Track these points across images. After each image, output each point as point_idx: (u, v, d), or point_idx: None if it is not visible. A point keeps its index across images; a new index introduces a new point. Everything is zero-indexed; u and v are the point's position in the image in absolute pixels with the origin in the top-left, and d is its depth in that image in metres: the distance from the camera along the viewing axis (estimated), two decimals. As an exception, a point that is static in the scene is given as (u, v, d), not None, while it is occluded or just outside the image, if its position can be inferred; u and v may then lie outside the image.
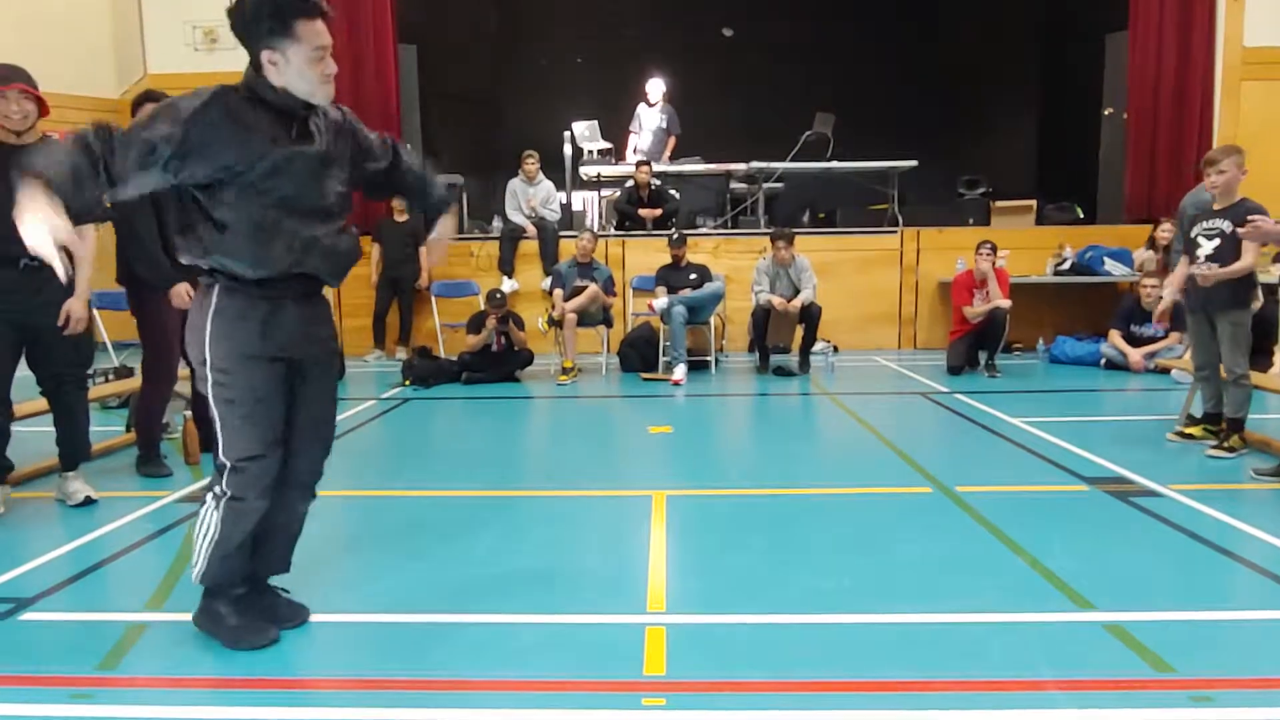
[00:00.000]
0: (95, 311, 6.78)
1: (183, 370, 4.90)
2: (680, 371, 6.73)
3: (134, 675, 2.16)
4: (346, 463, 4.50)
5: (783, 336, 7.10)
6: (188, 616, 2.37)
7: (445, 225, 2.72)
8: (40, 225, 1.80)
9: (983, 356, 6.98)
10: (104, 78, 9.46)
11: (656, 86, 9.81)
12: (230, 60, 8.27)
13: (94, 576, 2.87)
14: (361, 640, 2.41)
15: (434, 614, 2.51)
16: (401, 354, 8.00)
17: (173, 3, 8.32)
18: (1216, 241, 4.10)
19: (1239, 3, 8.08)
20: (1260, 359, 5.65)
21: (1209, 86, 8.27)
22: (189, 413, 4.46)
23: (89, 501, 3.61)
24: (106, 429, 5.27)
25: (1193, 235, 4.24)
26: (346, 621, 2.51)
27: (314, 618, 2.50)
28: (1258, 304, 4.47)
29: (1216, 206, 4.16)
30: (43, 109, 3.39)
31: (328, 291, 2.45)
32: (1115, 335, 7.05)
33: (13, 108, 3.28)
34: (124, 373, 5.91)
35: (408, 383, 6.73)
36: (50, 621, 2.49)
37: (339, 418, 5.58)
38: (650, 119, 9.80)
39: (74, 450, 3.69)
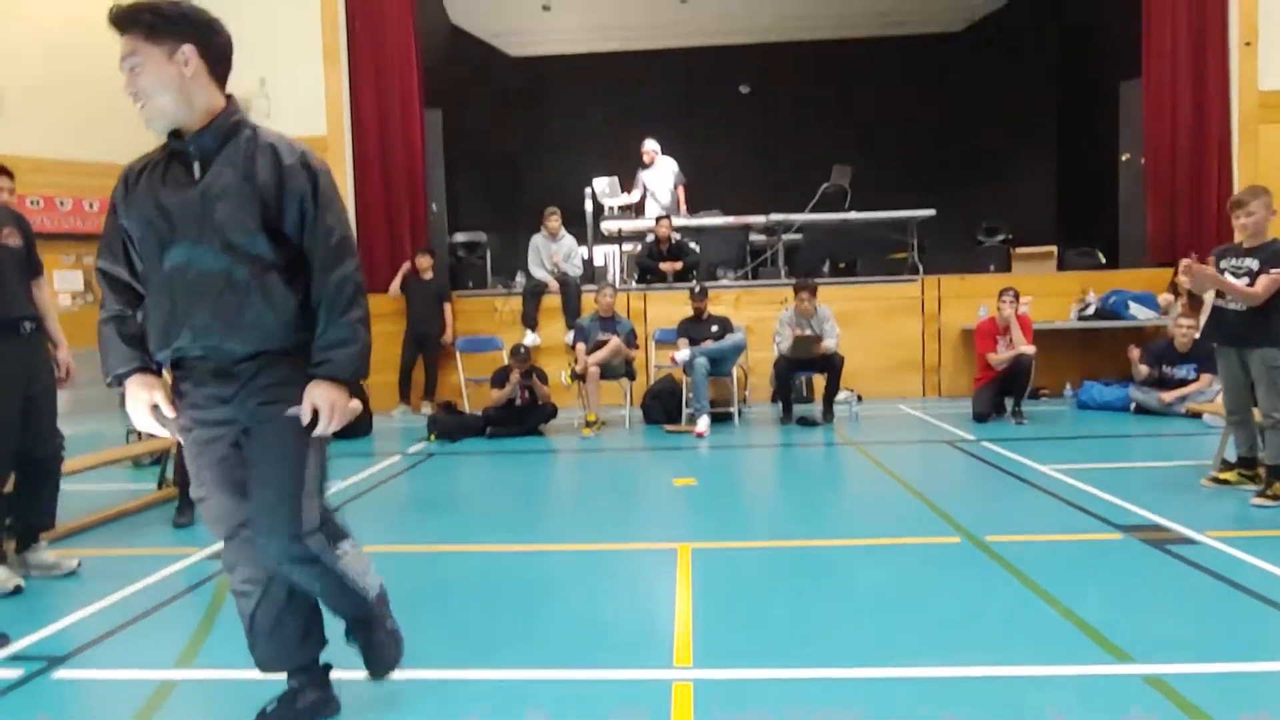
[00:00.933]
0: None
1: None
2: (703, 423, 6.72)
3: (163, 734, 2.17)
4: (371, 518, 4.53)
5: (805, 349, 6.99)
6: (218, 674, 2.38)
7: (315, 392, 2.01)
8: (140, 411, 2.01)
9: (1009, 403, 6.91)
10: (138, 146, 9.80)
11: (651, 145, 10.00)
12: (263, 126, 8.61)
13: (126, 633, 2.90)
14: (385, 696, 2.40)
15: (458, 669, 2.50)
16: (427, 409, 8.08)
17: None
18: (1245, 280, 4.07)
19: (1252, 48, 8.14)
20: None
21: (1226, 130, 8.29)
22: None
23: (18, 590, 3.32)
24: (139, 486, 5.35)
25: (1221, 274, 4.21)
26: (360, 679, 2.50)
27: (336, 674, 2.49)
28: None
29: (1246, 246, 4.13)
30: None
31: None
32: (1136, 354, 7.02)
33: None
34: (156, 431, 6.02)
35: (433, 437, 6.78)
36: (83, 680, 2.52)
37: (366, 473, 5.65)
38: (656, 178, 9.96)
39: (48, 516, 3.62)
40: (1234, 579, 3.04)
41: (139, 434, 6.26)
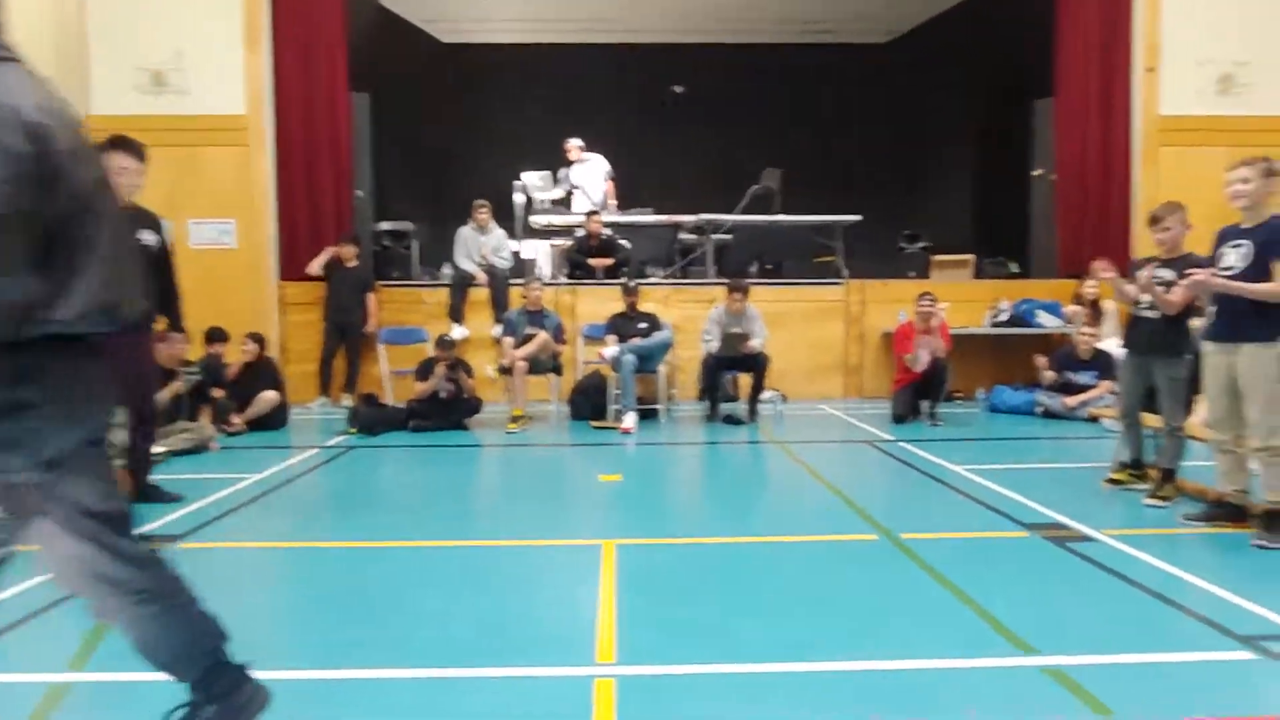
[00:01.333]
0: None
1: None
2: (630, 420, 6.74)
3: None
4: (288, 513, 4.38)
5: (732, 345, 7.06)
6: (113, 676, 2.26)
7: None
8: None
9: (926, 405, 7.15)
10: (44, 118, 9.24)
11: (575, 142, 10.00)
12: (178, 103, 8.24)
13: (13, 636, 2.72)
14: (297, 698, 2.32)
15: (375, 669, 2.44)
16: (347, 401, 7.86)
17: (121, 44, 8.23)
18: (1162, 290, 4.27)
19: (1154, 74, 8.63)
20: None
21: (1129, 152, 8.76)
22: (119, 461, 4.29)
23: None
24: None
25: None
26: (281, 679, 2.41)
27: (262, 675, 2.40)
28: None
29: (1163, 258, 4.35)
30: None
31: None
32: (1043, 361, 7.35)
33: None
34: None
35: (353, 430, 6.60)
36: (-37, 684, 2.35)
37: (281, 466, 5.46)
38: (585, 175, 9.95)
39: None
40: (1128, 575, 3.21)
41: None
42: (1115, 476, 4.62)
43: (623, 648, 2.57)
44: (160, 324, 4.37)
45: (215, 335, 7.02)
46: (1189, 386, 4.46)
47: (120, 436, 4.81)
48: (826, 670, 2.42)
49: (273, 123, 8.45)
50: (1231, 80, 8.56)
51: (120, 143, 4.03)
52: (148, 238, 4.16)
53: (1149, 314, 4.31)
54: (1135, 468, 4.57)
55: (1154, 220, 4.32)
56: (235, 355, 7.21)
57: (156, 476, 4.49)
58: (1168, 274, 4.26)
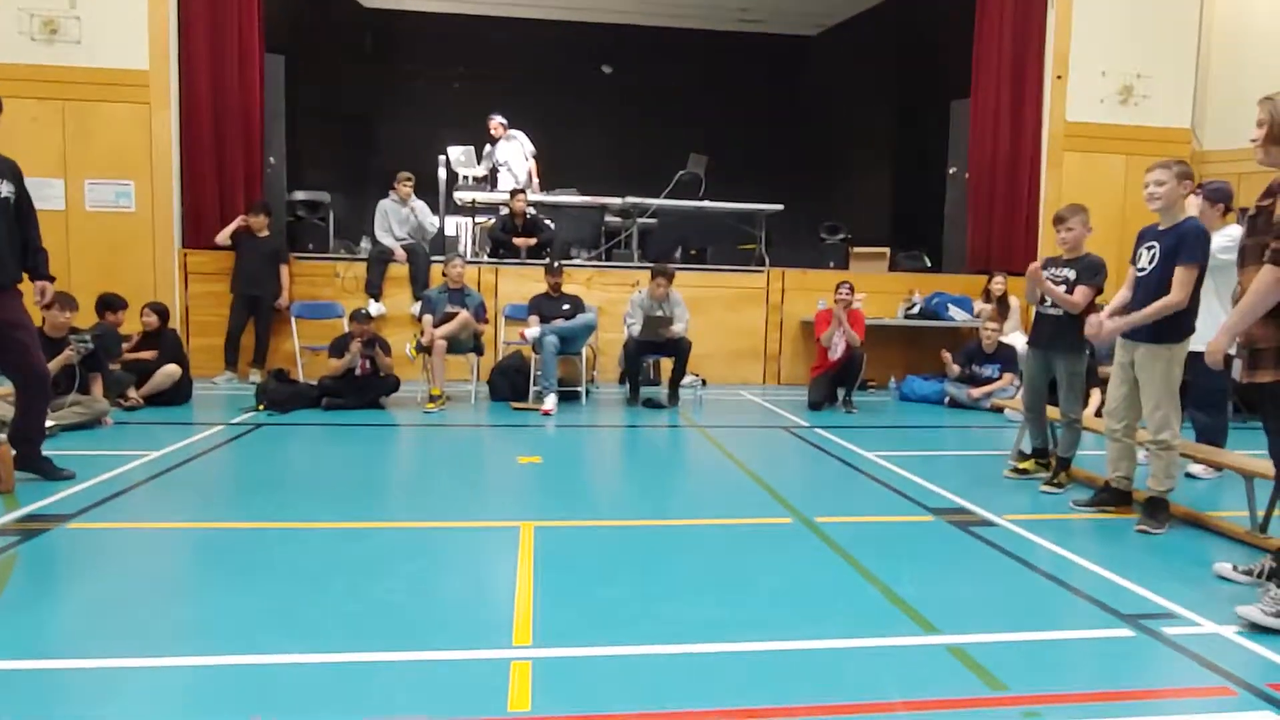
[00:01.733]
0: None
1: (3, 387, 4.44)
2: (551, 401, 6.69)
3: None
4: (189, 492, 4.19)
5: (654, 329, 7.09)
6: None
7: None
8: None
9: (841, 393, 7.34)
10: (-82, 62, 8.51)
11: (499, 119, 9.87)
12: (72, 54, 7.70)
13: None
14: (201, 685, 2.22)
15: (283, 654, 2.36)
16: (256, 376, 7.55)
17: (7, -13, 7.62)
18: (1063, 288, 4.47)
19: (1063, 81, 9.03)
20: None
21: (1037, 154, 9.16)
22: (3, 435, 4.02)
23: None
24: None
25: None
26: (184, 665, 2.31)
27: (145, 662, 2.29)
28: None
29: (1065, 258, 4.56)
30: None
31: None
32: (948, 357, 7.65)
33: None
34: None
35: (261, 407, 6.34)
36: None
37: (183, 443, 5.23)
38: (508, 152, 9.83)
39: None
40: (1026, 558, 3.38)
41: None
42: (1021, 466, 4.82)
43: (540, 630, 2.56)
44: (24, 281, 4.07)
45: (110, 303, 6.61)
46: (1087, 380, 4.72)
47: (3, 409, 4.50)
48: (740, 650, 2.46)
49: (177, 80, 7.99)
50: (1131, 91, 9.04)
51: None
52: (4, 189, 3.84)
53: (1052, 311, 4.52)
54: (1041, 457, 4.80)
55: (1058, 220, 4.53)
56: (134, 325, 6.83)
57: (46, 451, 4.21)
58: (1069, 273, 4.47)
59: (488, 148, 9.97)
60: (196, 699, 2.14)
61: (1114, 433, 4.06)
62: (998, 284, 8.36)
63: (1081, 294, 4.37)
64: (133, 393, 6.31)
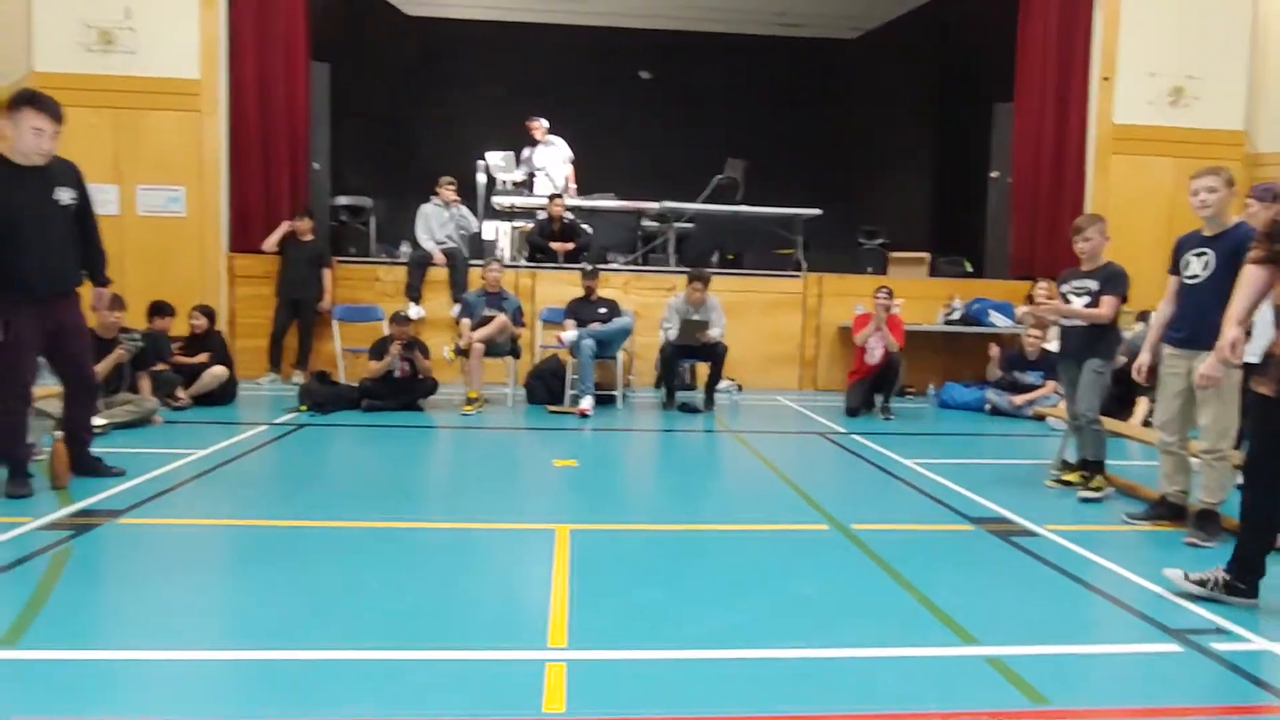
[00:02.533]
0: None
1: (53, 388, 4.59)
2: (587, 403, 6.72)
3: (-20, 718, 1.97)
4: (233, 490, 4.28)
5: (691, 333, 7.09)
6: (47, 654, 2.19)
7: None
8: None
9: (878, 399, 7.26)
10: (-18, 72, 8.84)
11: (542, 122, 9.93)
12: (127, 64, 7.93)
13: (-62, 610, 2.62)
14: (241, 678, 2.28)
15: (322, 650, 2.40)
16: (298, 378, 7.70)
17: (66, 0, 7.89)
18: (1086, 299, 4.43)
19: (1109, 82, 8.84)
20: (1123, 411, 6.11)
21: (1082, 157, 8.98)
22: (59, 433, 4.15)
23: None
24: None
25: (1063, 292, 4.58)
26: (224, 659, 2.37)
27: (189, 654, 2.35)
28: (1123, 360, 4.84)
29: (1085, 268, 4.51)
30: None
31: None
32: (997, 352, 7.55)
33: None
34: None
35: (304, 408, 6.47)
36: (-117, 659, 2.25)
37: (228, 442, 5.35)
38: (547, 157, 9.90)
39: None
40: (1069, 569, 3.31)
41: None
42: (1065, 477, 4.71)
43: (574, 632, 2.57)
44: (85, 285, 4.19)
45: (160, 308, 6.80)
46: (1133, 389, 4.62)
47: (56, 407, 4.65)
48: (775, 657, 2.45)
49: (226, 88, 8.19)
50: (1182, 92, 8.82)
51: (33, 99, 3.77)
52: (64, 196, 3.93)
53: (1075, 323, 4.48)
54: (1087, 469, 4.64)
55: (1076, 230, 4.53)
56: (182, 329, 7.01)
57: (97, 449, 4.35)
58: (1092, 284, 4.42)
59: (525, 152, 10.05)
60: (237, 692, 2.19)
61: (1167, 445, 3.94)
62: (1041, 290, 8.19)
63: (1109, 304, 4.34)
64: (181, 392, 6.48)
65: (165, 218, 8.11)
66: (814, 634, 2.62)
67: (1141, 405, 6.26)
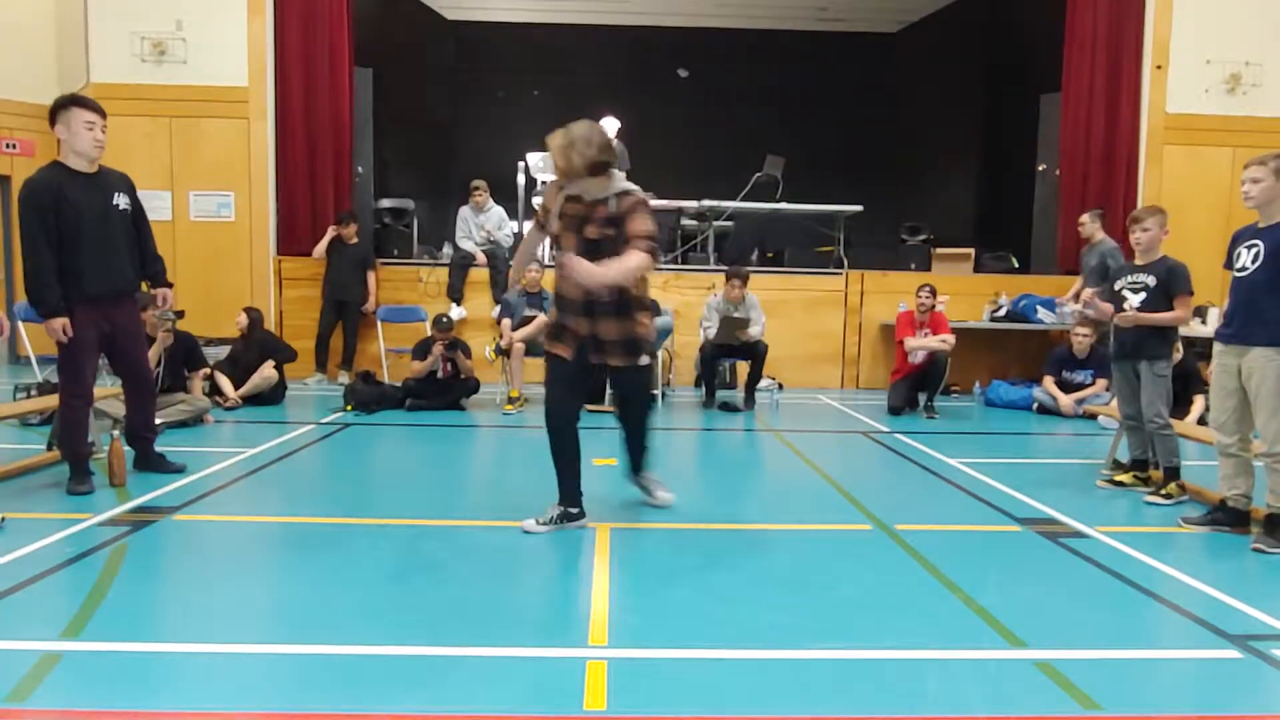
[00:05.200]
0: (20, 324, 6.52)
1: (113, 389, 4.75)
2: (627, 403, 6.72)
3: (46, 708, 2.04)
4: (280, 488, 4.38)
5: (731, 330, 7.06)
6: (107, 646, 2.26)
7: None
8: None
9: (922, 398, 7.15)
10: (44, 84, 9.17)
11: (611, 124, 9.95)
12: (178, 73, 8.16)
13: (6, 602, 2.72)
14: (290, 672, 2.32)
15: (366, 645, 2.44)
16: (344, 378, 7.84)
17: (120, 12, 8.15)
18: (1143, 295, 4.30)
19: (1162, 71, 8.58)
20: (1179, 409, 5.92)
21: (1134, 148, 8.72)
22: (117, 432, 4.28)
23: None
24: (26, 446, 5.03)
25: (1117, 289, 4.44)
26: (274, 653, 2.42)
27: (238, 648, 2.41)
28: (1178, 356, 4.69)
29: (1140, 262, 4.37)
30: None
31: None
32: (1048, 381, 7.30)
33: None
34: (48, 388, 5.66)
35: (349, 408, 6.59)
36: (-46, 650, 2.35)
37: (276, 441, 5.47)
38: None
39: None
40: (1122, 572, 3.22)
41: (29, 391, 5.88)
42: (1117, 478, 4.59)
43: (615, 630, 2.58)
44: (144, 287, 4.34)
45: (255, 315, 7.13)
46: (1190, 386, 4.47)
47: (114, 407, 4.80)
48: (817, 658, 2.42)
49: (273, 95, 8.38)
50: (1239, 79, 8.53)
51: (75, 99, 3.91)
52: (121, 201, 4.07)
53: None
54: (1139, 469, 4.54)
55: (1134, 220, 4.40)
56: (231, 331, 7.18)
57: (157, 447, 4.48)
58: (1148, 279, 4.28)
59: None
60: (285, 685, 2.24)
61: (1225, 447, 3.76)
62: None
63: (1183, 305, 4.23)
64: (232, 393, 6.64)
65: (216, 222, 8.32)
66: (858, 635, 2.59)
67: (1198, 403, 6.07)
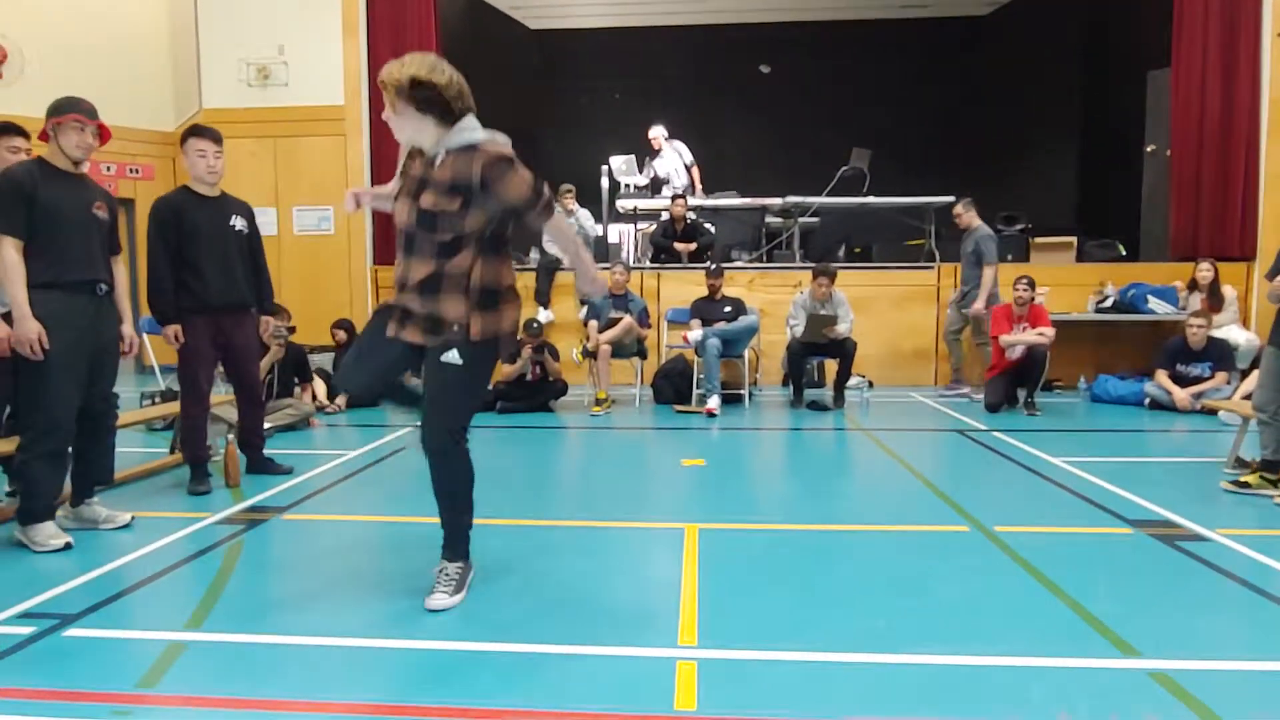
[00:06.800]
0: (145, 336, 7.00)
1: (227, 395, 5.04)
2: (714, 402, 6.71)
3: (173, 694, 2.19)
4: (377, 490, 4.56)
5: (818, 329, 6.95)
6: (227, 637, 2.40)
7: None
8: None
9: (1021, 394, 6.86)
10: (161, 111, 9.83)
11: (657, 131, 9.98)
12: (281, 95, 8.60)
13: (136, 595, 2.93)
14: (393, 666, 2.42)
15: (464, 642, 2.51)
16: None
17: (228, 39, 8.66)
18: None
19: (1286, 40, 7.98)
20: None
21: (1255, 124, 8.14)
22: (232, 436, 4.55)
23: (68, 547, 3.38)
24: (152, 450, 5.40)
25: None
26: (377, 647, 2.52)
27: (345, 642, 2.52)
28: None
29: None
30: (102, 137, 3.56)
31: None
32: (1162, 374, 6.89)
33: (72, 139, 3.43)
34: (170, 396, 6.07)
35: (443, 411, 6.78)
36: (93, 638, 2.54)
37: (377, 443, 5.68)
38: (666, 165, 9.98)
39: (108, 472, 3.81)
40: (1245, 577, 3.01)
41: (153, 399, 6.31)
42: (1244, 478, 4.21)
43: (705, 631, 2.57)
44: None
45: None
46: None
47: (229, 412, 5.10)
48: (913, 662, 2.36)
49: (368, 112, 8.73)
50: (1376, 44, 7.84)
51: (194, 130, 4.24)
52: (238, 223, 4.38)
53: None
54: (1269, 470, 4.13)
55: None
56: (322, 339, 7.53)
57: (266, 451, 4.75)
58: None
59: (648, 162, 10.18)
60: (386, 679, 2.33)
61: None
62: (1205, 271, 7.51)
63: None
64: (338, 399, 6.96)
65: (317, 236, 8.74)
66: (956, 639, 2.51)
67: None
